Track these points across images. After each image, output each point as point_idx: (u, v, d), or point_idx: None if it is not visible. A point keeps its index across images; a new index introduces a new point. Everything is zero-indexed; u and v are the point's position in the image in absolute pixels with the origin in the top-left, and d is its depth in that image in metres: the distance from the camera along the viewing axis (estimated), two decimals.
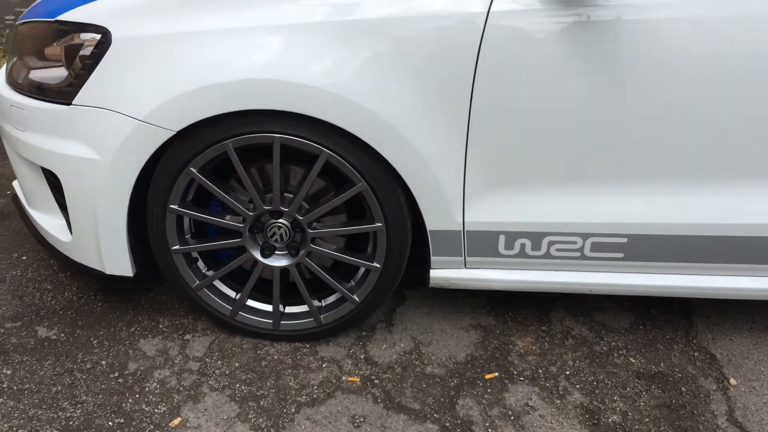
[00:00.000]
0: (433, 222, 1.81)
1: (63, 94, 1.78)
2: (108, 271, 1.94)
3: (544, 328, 2.14)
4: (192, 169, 1.76)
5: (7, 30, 5.22)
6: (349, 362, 1.98)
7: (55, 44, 1.82)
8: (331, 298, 2.03)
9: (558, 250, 1.85)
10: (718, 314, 2.22)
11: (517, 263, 1.89)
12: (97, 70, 1.72)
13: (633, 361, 2.01)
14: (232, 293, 2.03)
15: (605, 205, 1.79)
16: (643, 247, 1.83)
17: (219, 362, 1.96)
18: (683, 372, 1.97)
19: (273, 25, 1.65)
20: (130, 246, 1.89)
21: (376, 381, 1.91)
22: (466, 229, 1.82)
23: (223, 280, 2.03)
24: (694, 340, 2.10)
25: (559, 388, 1.89)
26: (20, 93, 1.89)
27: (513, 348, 2.05)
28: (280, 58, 1.64)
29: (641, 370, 1.97)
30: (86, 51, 1.74)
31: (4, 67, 2.13)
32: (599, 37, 1.58)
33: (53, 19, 1.81)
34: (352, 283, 1.99)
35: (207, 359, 1.97)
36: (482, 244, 1.85)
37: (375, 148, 1.68)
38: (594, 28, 1.58)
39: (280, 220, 1.88)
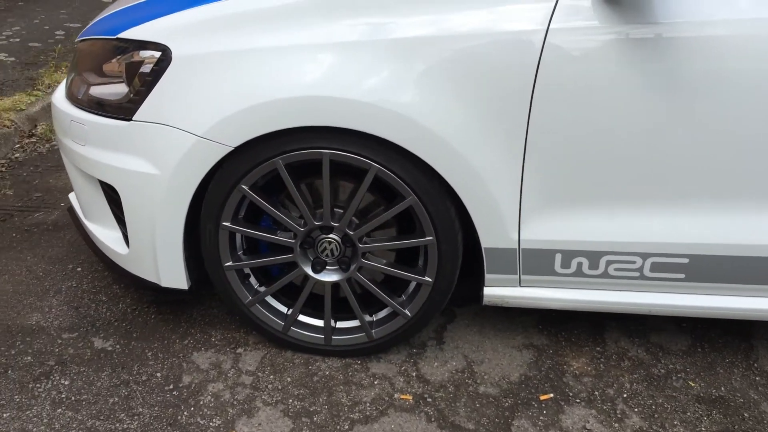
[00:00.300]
0: (488, 239, 1.80)
1: (123, 110, 1.81)
2: (164, 284, 1.96)
3: (598, 348, 2.10)
4: (243, 186, 1.78)
5: (59, 45, 5.36)
6: (401, 379, 1.96)
7: (115, 61, 1.86)
8: (383, 313, 2.02)
9: (616, 269, 1.82)
10: None
11: (574, 282, 1.86)
12: (157, 87, 1.75)
13: (692, 384, 1.96)
14: (283, 309, 2.04)
15: (666, 225, 1.75)
16: (706, 268, 1.78)
17: (271, 377, 1.96)
18: (745, 397, 1.91)
19: (328, 43, 1.65)
20: (186, 260, 1.92)
21: (429, 399, 1.89)
22: (521, 247, 1.80)
23: (274, 296, 2.04)
24: (755, 364, 2.04)
25: (617, 411, 1.85)
26: (81, 108, 1.93)
27: (567, 369, 2.01)
28: (335, 76, 1.65)
29: (701, 395, 1.92)
30: (146, 68, 1.77)
31: (63, 83, 2.18)
32: (659, 55, 1.56)
33: (114, 37, 1.85)
34: (404, 297, 1.98)
35: (259, 373, 1.98)
36: (538, 263, 1.83)
37: (430, 164, 1.68)
38: (654, 46, 1.56)
39: (331, 236, 1.88)
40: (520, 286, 1.89)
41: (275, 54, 1.67)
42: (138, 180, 1.82)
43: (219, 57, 1.71)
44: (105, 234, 2.08)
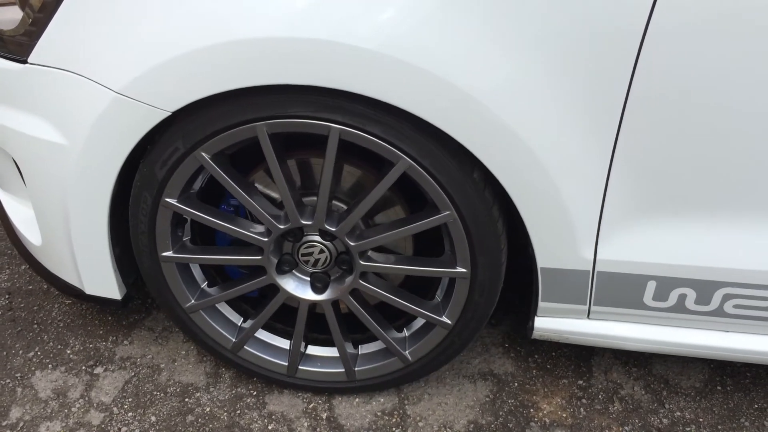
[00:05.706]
0: (547, 257, 1.24)
1: (17, 46, 1.21)
2: (88, 292, 1.43)
3: (581, 382, 1.55)
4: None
5: None
6: (305, 423, 1.44)
7: None
8: (371, 347, 1.50)
9: (737, 306, 1.27)
10: None
11: (667, 318, 1.32)
12: (60, 12, 1.15)
13: None
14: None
15: None
16: None
17: (130, 414, 1.45)
18: None
19: None
20: (117, 260, 1.38)
21: None
22: (597, 269, 1.25)
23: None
24: None
25: None
26: None
27: (535, 414, 1.48)
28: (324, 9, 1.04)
29: None
30: None
31: None
32: None
33: None
34: (406, 333, 1.45)
35: (115, 407, 1.47)
36: (619, 291, 1.29)
37: (466, 145, 1.10)
38: None
39: (318, 239, 1.33)
40: (589, 319, 1.35)
41: None
42: (40, 150, 1.25)
43: None
44: (19, 212, 1.51)
